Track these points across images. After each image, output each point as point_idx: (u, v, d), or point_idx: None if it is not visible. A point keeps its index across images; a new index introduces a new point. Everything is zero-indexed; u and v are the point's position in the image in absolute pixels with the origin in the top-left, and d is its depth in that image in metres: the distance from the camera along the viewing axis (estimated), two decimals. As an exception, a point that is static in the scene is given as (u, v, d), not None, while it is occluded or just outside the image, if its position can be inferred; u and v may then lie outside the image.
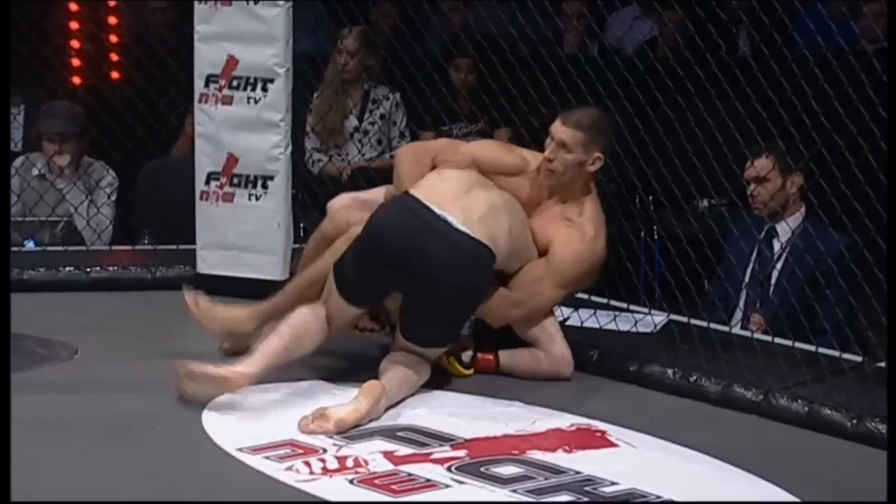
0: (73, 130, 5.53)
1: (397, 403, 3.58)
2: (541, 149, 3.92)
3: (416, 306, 3.64)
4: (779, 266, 4.46)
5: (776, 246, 4.54)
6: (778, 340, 4.06)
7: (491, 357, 3.89)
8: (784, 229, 4.50)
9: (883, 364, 3.75)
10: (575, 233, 3.82)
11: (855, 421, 3.44)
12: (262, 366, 3.54)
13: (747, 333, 4.23)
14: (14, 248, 5.07)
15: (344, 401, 3.49)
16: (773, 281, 4.46)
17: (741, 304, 4.51)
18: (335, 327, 3.70)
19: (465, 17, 6.65)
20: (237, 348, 3.77)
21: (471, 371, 3.88)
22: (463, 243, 3.59)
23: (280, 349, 3.59)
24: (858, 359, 3.86)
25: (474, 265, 3.61)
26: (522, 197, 3.86)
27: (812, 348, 3.93)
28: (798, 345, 3.97)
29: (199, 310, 3.89)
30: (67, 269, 4.84)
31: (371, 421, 3.44)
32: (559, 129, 3.81)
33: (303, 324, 3.64)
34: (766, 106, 4.18)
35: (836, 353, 3.89)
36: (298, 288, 3.85)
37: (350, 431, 3.38)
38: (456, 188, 3.71)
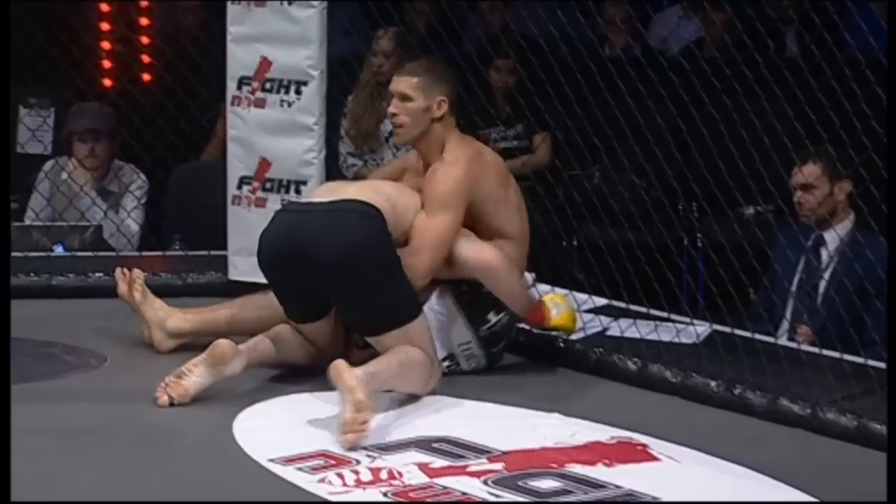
0: (104, 127, 5.57)
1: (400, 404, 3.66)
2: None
3: (335, 294, 3.71)
4: (827, 275, 4.44)
5: (824, 255, 4.52)
6: (826, 352, 4.04)
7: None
8: (832, 237, 4.48)
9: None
10: (436, 165, 3.95)
11: (906, 436, 3.42)
12: (247, 344, 3.74)
13: (794, 345, 4.22)
14: (43, 254, 5.12)
15: (374, 411, 3.52)
16: (820, 291, 4.44)
17: (787, 314, 4.49)
18: (318, 346, 3.85)
19: (504, 18, 6.66)
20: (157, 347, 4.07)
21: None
22: (332, 208, 3.72)
23: (262, 344, 3.78)
24: (910, 371, 3.83)
25: (350, 219, 3.69)
26: (416, 187, 4.00)
27: (861, 360, 3.91)
28: (846, 357, 3.95)
29: (140, 291, 4.13)
30: (97, 274, 4.88)
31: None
32: (395, 82, 4.02)
33: (283, 332, 3.83)
34: (815, 109, 4.17)
35: (885, 366, 3.87)
36: (245, 307, 4.05)
37: (384, 442, 3.39)
38: (333, 185, 3.98)
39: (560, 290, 4.09)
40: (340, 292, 3.70)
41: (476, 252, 3.91)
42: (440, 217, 3.87)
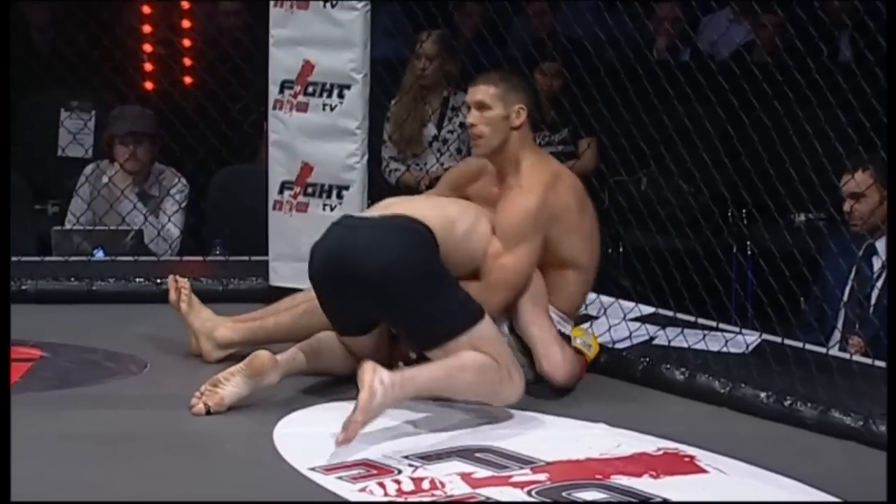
0: (146, 129, 5.61)
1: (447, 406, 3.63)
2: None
3: (382, 309, 3.69)
4: (879, 284, 4.41)
5: (876, 263, 4.48)
6: (878, 363, 4.01)
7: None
8: (884, 245, 4.45)
9: None
10: (511, 194, 3.90)
11: (961, 450, 3.38)
12: (286, 355, 3.74)
13: (846, 355, 4.19)
14: (83, 258, 5.16)
15: (416, 420, 3.56)
16: (873, 301, 4.41)
17: (839, 324, 4.46)
18: (360, 358, 3.74)
19: (550, 20, 6.65)
20: (206, 357, 4.07)
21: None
22: (379, 223, 3.72)
23: (301, 355, 3.79)
24: (965, 384, 3.80)
25: (402, 235, 3.67)
26: (486, 194, 3.99)
27: (915, 372, 3.87)
28: (901, 368, 3.91)
29: (186, 302, 4.13)
30: (138, 280, 4.91)
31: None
32: (471, 92, 3.99)
33: (325, 342, 3.83)
34: (868, 115, 4.14)
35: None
36: (292, 314, 4.03)
37: (427, 451, 3.39)
38: (394, 200, 3.91)
39: (567, 327, 4.04)
40: (386, 308, 3.68)
41: (551, 362, 3.87)
42: (517, 253, 3.83)
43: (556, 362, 3.85)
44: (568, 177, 4.00)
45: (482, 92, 3.94)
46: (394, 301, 3.64)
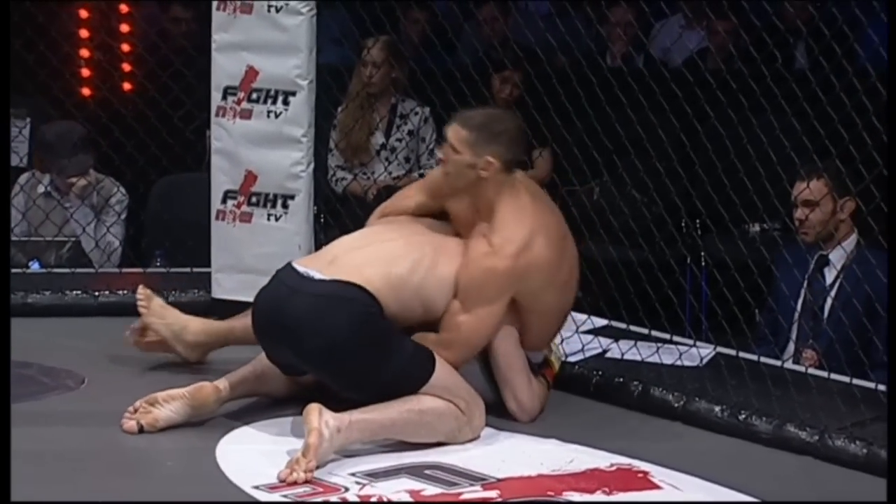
0: (86, 166, 5.57)
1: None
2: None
3: (327, 380, 3.65)
4: (832, 295, 4.46)
5: (828, 275, 4.54)
6: (834, 376, 4.05)
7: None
8: (837, 256, 4.50)
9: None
10: (479, 248, 3.73)
11: (917, 464, 3.43)
12: (231, 381, 3.72)
13: (801, 369, 4.23)
14: (18, 270, 5.12)
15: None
16: (826, 313, 4.46)
17: (793, 336, 4.51)
18: (306, 386, 3.78)
19: (501, 27, 6.68)
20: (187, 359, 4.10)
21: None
22: (322, 289, 3.60)
23: (245, 384, 3.76)
24: (922, 396, 3.85)
25: (343, 311, 3.56)
26: (463, 219, 3.85)
27: (871, 385, 3.92)
28: (856, 381, 3.96)
29: (149, 306, 4.11)
30: (74, 292, 4.89)
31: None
32: (448, 129, 3.83)
33: (270, 368, 3.77)
34: (824, 123, 4.19)
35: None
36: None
37: (375, 469, 3.40)
38: (348, 244, 3.81)
39: (538, 356, 4.00)
40: (330, 379, 3.64)
41: (517, 402, 3.83)
42: (477, 314, 3.70)
43: (524, 407, 3.81)
44: (547, 228, 3.80)
45: (453, 133, 3.78)
46: (334, 377, 3.62)
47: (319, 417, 3.37)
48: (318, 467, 3.34)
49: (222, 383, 3.72)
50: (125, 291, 4.90)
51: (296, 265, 3.72)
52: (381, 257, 3.70)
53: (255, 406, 3.84)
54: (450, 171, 3.80)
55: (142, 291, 4.18)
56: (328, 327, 3.54)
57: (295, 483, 3.28)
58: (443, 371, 3.62)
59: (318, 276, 3.64)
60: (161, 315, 4.14)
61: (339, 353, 3.55)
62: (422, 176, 6.03)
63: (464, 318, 3.71)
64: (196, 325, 4.15)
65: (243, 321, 4.03)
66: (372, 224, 4.04)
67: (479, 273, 3.70)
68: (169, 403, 3.62)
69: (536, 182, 4.81)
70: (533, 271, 3.74)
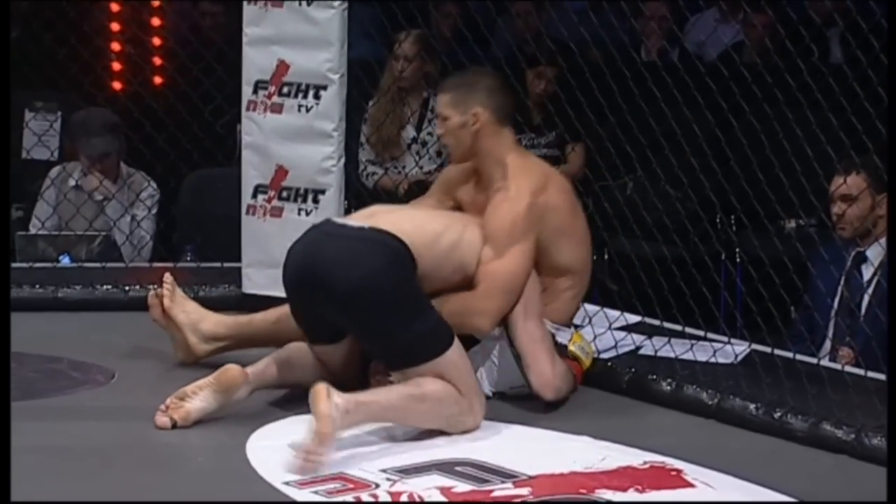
0: (111, 148, 5.59)
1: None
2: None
3: (349, 326, 3.69)
4: (869, 292, 4.43)
5: (866, 272, 4.51)
6: (871, 374, 4.03)
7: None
8: (874, 253, 4.47)
9: None
10: (498, 197, 3.90)
11: (955, 463, 3.41)
12: (257, 368, 3.75)
13: (837, 366, 4.21)
14: (49, 265, 5.15)
15: (394, 432, 3.58)
16: (863, 310, 4.43)
17: (830, 334, 4.48)
18: (330, 369, 3.79)
19: (535, 21, 6.66)
20: (187, 357, 4.10)
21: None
22: (360, 234, 3.68)
23: (271, 368, 3.78)
24: (960, 395, 3.82)
25: (376, 252, 3.63)
26: (477, 204, 3.99)
27: (909, 383, 3.90)
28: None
29: (173, 294, 4.15)
30: (105, 287, 4.90)
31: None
32: (436, 103, 4.07)
33: (296, 354, 3.81)
34: (861, 118, 4.16)
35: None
36: (278, 313, 4.01)
37: (405, 465, 3.39)
38: (377, 209, 3.91)
39: (564, 335, 4.05)
40: (352, 324, 3.68)
41: (539, 374, 3.85)
42: (508, 257, 3.83)
43: (545, 380, 3.84)
44: (558, 179, 4.02)
45: (439, 102, 4.02)
46: (360, 319, 3.64)
47: (328, 400, 3.37)
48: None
49: (249, 368, 3.73)
50: (155, 286, 4.91)
51: (332, 218, 3.89)
52: (416, 217, 3.86)
53: (283, 401, 3.85)
54: (449, 141, 4.00)
55: (168, 279, 4.19)
56: (365, 265, 3.61)
57: (306, 471, 3.30)
58: (456, 351, 3.66)
59: (355, 224, 3.74)
60: (182, 305, 4.17)
61: (371, 294, 3.59)
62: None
63: (498, 264, 3.82)
64: (214, 317, 4.17)
65: (262, 314, 4.08)
66: None
67: (502, 215, 3.85)
68: (198, 394, 3.63)
69: (570, 177, 4.84)
70: (551, 210, 3.91)
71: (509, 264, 3.84)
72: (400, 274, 3.65)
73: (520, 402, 3.89)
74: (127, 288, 4.89)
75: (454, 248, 3.81)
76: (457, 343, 3.67)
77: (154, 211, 5.70)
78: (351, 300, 3.61)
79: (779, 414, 3.75)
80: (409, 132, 6.05)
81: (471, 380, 3.70)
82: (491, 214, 3.89)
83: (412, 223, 3.78)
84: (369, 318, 3.62)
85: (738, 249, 5.60)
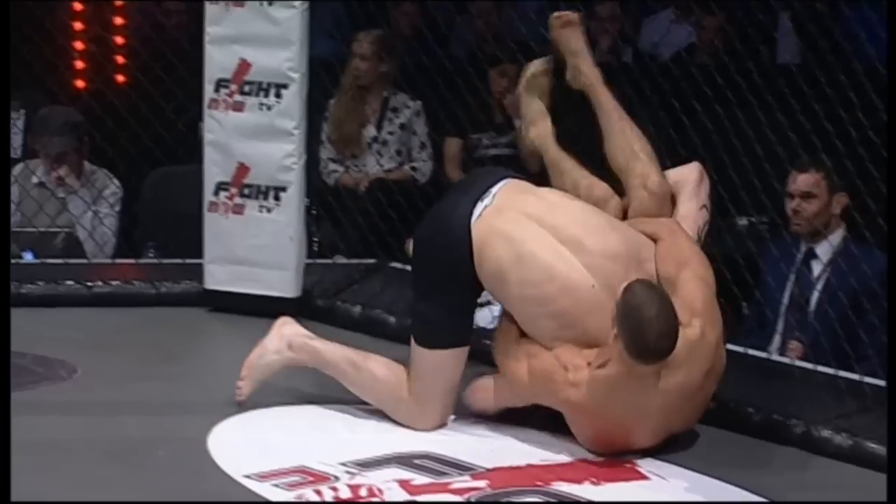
0: (69, 147, 5.56)
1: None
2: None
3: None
4: (819, 287, 4.47)
5: (815, 267, 4.54)
6: (820, 368, 4.06)
7: None
8: (823, 250, 4.51)
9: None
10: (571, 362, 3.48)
11: (901, 455, 3.44)
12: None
13: (787, 360, 4.24)
14: (12, 260, 5.11)
15: (354, 426, 3.59)
16: (812, 305, 4.47)
17: (780, 329, 4.52)
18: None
19: (494, 20, 6.66)
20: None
21: None
22: (460, 216, 3.51)
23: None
24: (906, 389, 3.86)
25: (445, 234, 3.51)
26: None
27: (856, 377, 3.93)
28: (841, 373, 3.97)
29: None
30: (68, 282, 4.88)
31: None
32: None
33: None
34: (810, 118, 4.19)
35: (881, 383, 3.89)
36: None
37: (364, 458, 3.40)
38: (542, 199, 3.61)
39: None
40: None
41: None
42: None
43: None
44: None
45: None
46: (412, 265, 3.67)
47: (277, 330, 3.67)
48: (262, 377, 3.68)
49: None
50: (118, 282, 4.90)
51: (497, 186, 3.57)
52: (522, 258, 3.47)
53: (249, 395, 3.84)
54: None
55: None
56: (426, 232, 3.59)
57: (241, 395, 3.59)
58: (436, 361, 3.53)
59: (479, 210, 3.53)
60: (541, 91, 4.00)
61: (414, 251, 3.61)
62: (414, 169, 6.04)
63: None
64: (535, 132, 3.94)
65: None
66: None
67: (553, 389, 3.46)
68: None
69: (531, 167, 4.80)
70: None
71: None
72: (440, 266, 3.50)
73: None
74: (90, 284, 4.87)
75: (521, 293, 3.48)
76: (442, 354, 3.52)
77: (117, 208, 5.68)
78: (415, 245, 3.63)
79: (731, 406, 3.77)
80: (370, 131, 6.05)
81: (432, 390, 3.55)
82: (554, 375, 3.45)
83: (518, 254, 3.47)
84: (412, 268, 3.66)
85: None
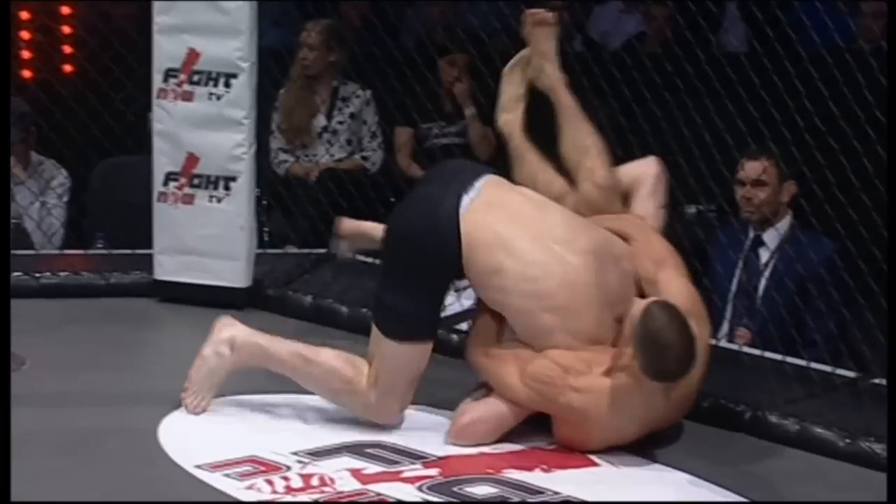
0: (16, 138, 5.50)
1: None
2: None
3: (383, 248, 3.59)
4: (766, 275, 4.50)
5: (763, 255, 4.58)
6: (768, 354, 4.09)
7: None
8: (771, 237, 4.55)
9: (878, 381, 3.80)
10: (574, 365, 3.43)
11: (848, 440, 3.48)
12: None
13: (735, 346, 4.27)
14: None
15: (305, 415, 3.58)
16: (760, 292, 4.50)
17: (728, 315, 4.55)
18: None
19: (445, 10, 6.66)
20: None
21: None
22: (447, 209, 3.44)
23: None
24: (852, 374, 3.90)
25: (435, 218, 3.43)
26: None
27: (803, 363, 3.97)
28: (789, 359, 4.00)
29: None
30: (16, 274, 4.83)
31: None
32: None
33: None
34: (757, 106, 4.22)
35: (828, 369, 3.93)
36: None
37: (316, 447, 3.39)
38: (518, 207, 3.54)
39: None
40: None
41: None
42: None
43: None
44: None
45: (630, 322, 3.38)
46: (382, 257, 3.61)
47: (217, 335, 3.56)
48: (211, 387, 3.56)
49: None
50: (67, 273, 4.87)
51: (481, 180, 3.52)
52: (515, 253, 3.44)
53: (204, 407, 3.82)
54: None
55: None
56: (407, 224, 3.49)
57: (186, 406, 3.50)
58: (401, 352, 3.46)
59: (465, 202, 3.47)
60: (518, 80, 3.95)
61: (389, 240, 3.53)
62: (364, 159, 6.03)
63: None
64: (505, 117, 3.92)
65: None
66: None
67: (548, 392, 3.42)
68: None
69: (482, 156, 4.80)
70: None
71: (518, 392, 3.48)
72: (421, 259, 3.42)
73: (430, 386, 3.90)
74: (38, 275, 4.83)
75: (516, 284, 3.43)
76: (408, 347, 3.45)
77: (65, 199, 5.64)
78: (386, 237, 3.56)
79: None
80: (320, 120, 6.03)
81: (397, 383, 3.49)
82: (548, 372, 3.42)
83: (510, 249, 3.43)
84: (382, 259, 3.60)
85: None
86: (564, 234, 3.50)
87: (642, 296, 3.47)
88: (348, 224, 4.11)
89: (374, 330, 3.51)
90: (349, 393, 3.55)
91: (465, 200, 3.47)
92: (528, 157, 3.82)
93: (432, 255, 3.44)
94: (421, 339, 3.49)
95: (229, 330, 3.59)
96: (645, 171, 3.81)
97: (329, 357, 3.56)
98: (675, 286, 3.50)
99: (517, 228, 3.48)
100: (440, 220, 3.45)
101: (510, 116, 3.91)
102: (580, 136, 3.77)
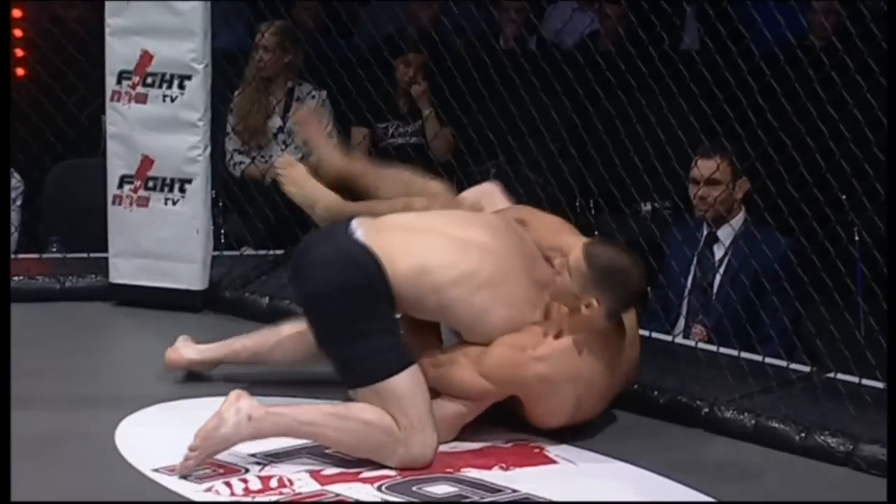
0: None
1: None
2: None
3: (311, 329, 3.50)
4: (721, 271, 4.53)
5: (717, 251, 4.60)
6: (723, 350, 4.12)
7: None
8: (725, 233, 4.57)
9: (832, 375, 3.83)
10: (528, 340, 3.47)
11: (803, 434, 3.51)
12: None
13: (691, 343, 4.29)
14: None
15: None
16: (715, 289, 4.53)
17: (683, 312, 4.57)
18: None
19: (397, 11, 6.65)
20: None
21: None
22: (348, 246, 3.43)
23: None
24: (806, 369, 3.93)
25: (346, 263, 3.41)
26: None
27: (758, 358, 3.99)
28: (744, 354, 4.03)
29: (289, 174, 3.93)
30: (-32, 279, 4.80)
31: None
32: (574, 255, 3.49)
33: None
34: (710, 103, 4.24)
35: (783, 363, 3.96)
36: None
37: (274, 449, 3.38)
38: (412, 222, 3.58)
39: None
40: (311, 329, 3.50)
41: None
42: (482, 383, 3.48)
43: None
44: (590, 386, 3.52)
45: (574, 260, 3.44)
46: (313, 326, 3.48)
47: (234, 402, 3.27)
48: (217, 453, 3.27)
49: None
50: (21, 277, 4.83)
51: (354, 221, 3.52)
52: (428, 250, 3.47)
53: (154, 388, 3.81)
54: (554, 291, 3.48)
55: (286, 161, 3.99)
56: (323, 277, 3.41)
57: (183, 471, 3.22)
58: (408, 381, 3.36)
59: (358, 235, 3.46)
60: (300, 185, 3.89)
61: (322, 305, 3.41)
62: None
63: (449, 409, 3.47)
64: (323, 206, 3.84)
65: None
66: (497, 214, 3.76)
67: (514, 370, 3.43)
68: None
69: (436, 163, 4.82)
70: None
71: (472, 385, 3.47)
72: (351, 299, 3.36)
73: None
74: (-8, 280, 4.79)
75: (451, 303, 3.43)
76: (410, 372, 3.36)
77: (19, 203, 5.60)
78: (308, 305, 3.48)
79: (636, 388, 3.81)
80: (276, 121, 6.01)
81: (419, 416, 3.35)
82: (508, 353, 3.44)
83: (412, 259, 3.43)
84: (319, 328, 3.46)
85: (596, 232, 5.65)
86: (460, 223, 3.57)
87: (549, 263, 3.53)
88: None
89: (363, 391, 3.36)
90: (391, 442, 3.32)
91: (358, 235, 3.46)
92: (376, 207, 3.74)
93: (362, 286, 3.38)
94: (405, 364, 3.38)
95: (246, 401, 3.31)
96: (487, 189, 3.92)
97: (360, 410, 3.35)
98: (581, 245, 3.51)
99: (417, 233, 3.51)
100: (351, 255, 3.42)
101: (326, 203, 3.81)
102: (393, 177, 3.83)
